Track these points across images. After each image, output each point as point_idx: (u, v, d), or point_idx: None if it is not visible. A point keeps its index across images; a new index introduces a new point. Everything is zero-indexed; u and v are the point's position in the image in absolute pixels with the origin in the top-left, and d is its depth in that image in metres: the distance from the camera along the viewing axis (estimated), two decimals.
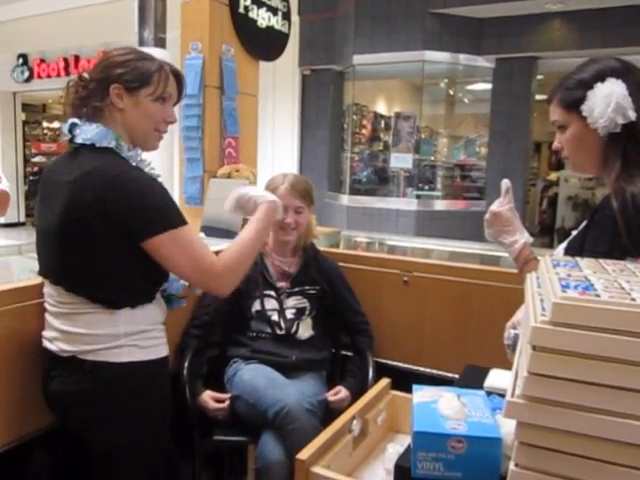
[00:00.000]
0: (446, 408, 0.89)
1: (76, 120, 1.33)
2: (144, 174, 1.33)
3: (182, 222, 1.30)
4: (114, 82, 1.33)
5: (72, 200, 1.25)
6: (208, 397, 1.86)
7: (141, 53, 1.40)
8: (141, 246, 1.28)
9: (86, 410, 1.35)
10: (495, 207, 1.41)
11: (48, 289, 1.38)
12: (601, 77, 1.16)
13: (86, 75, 1.35)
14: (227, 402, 1.84)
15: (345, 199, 7.42)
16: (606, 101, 1.13)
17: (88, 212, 1.24)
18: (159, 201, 1.29)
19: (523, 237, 1.39)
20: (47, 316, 1.39)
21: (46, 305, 1.39)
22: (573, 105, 1.20)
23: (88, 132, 1.30)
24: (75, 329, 1.32)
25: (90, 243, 1.27)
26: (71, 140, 1.33)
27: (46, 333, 1.39)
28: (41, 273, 1.39)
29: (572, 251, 1.20)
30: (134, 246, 1.28)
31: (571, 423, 0.73)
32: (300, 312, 1.97)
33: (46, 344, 1.38)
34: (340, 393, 1.90)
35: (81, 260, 1.29)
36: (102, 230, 1.25)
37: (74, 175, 1.26)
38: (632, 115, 1.12)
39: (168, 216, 1.29)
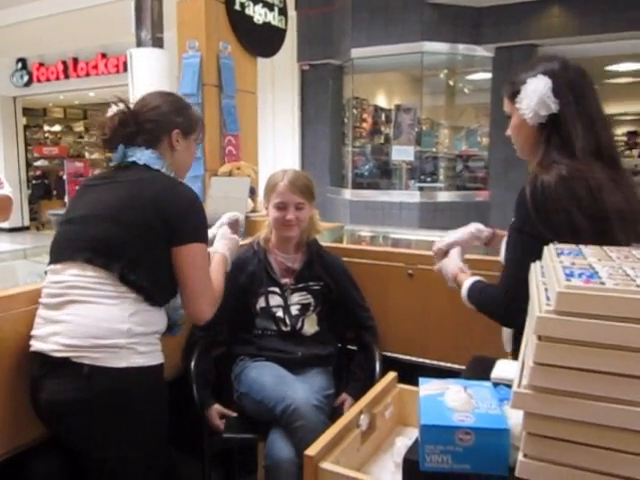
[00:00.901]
0: (453, 400, 0.88)
1: (126, 148, 1.51)
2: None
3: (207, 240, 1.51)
4: (175, 128, 1.57)
5: (133, 193, 1.43)
6: (216, 413, 1.87)
7: (186, 101, 1.71)
8: (173, 249, 1.42)
9: (82, 420, 1.33)
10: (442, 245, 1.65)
11: (69, 272, 1.37)
12: (535, 74, 1.30)
13: (142, 116, 1.54)
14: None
15: (348, 193, 7.41)
16: (531, 96, 1.28)
17: (146, 206, 1.40)
18: (203, 216, 1.50)
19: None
20: (45, 311, 1.38)
21: (47, 299, 1.38)
22: (513, 97, 1.36)
23: (143, 155, 1.50)
24: (81, 318, 1.32)
25: (138, 227, 1.39)
26: (119, 163, 1.52)
27: (39, 331, 1.36)
28: (69, 257, 1.39)
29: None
30: (169, 248, 1.42)
31: (578, 412, 0.73)
32: (305, 308, 1.97)
33: (38, 346, 1.35)
34: (345, 403, 1.92)
35: (126, 239, 1.38)
36: (153, 223, 1.39)
37: (134, 177, 1.46)
38: (554, 108, 1.26)
39: (205, 231, 1.51)
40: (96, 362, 1.30)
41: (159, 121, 1.55)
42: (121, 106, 1.55)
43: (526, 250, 1.16)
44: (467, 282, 1.46)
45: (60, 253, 1.42)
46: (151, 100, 1.60)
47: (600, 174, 1.24)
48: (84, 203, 1.49)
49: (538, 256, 1.00)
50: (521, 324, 0.97)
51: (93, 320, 1.32)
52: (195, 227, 1.46)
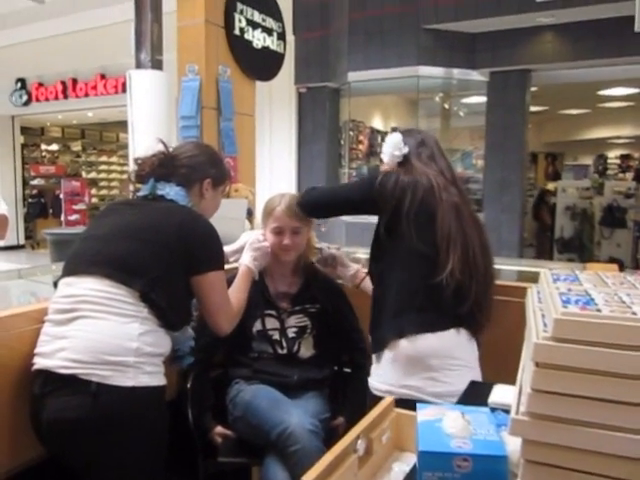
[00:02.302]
0: (451, 426, 0.88)
1: (157, 182, 1.60)
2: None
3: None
4: (208, 177, 1.69)
5: (158, 218, 1.51)
6: (218, 435, 1.87)
7: (220, 155, 1.90)
8: (193, 278, 1.50)
9: (84, 439, 1.31)
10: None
11: (84, 285, 1.38)
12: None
13: (179, 161, 1.65)
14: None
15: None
16: (386, 145, 1.78)
17: (170, 230, 1.47)
18: (220, 246, 1.59)
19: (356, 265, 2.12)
20: (52, 328, 1.37)
21: (54, 316, 1.38)
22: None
23: (172, 190, 1.59)
24: (90, 334, 1.32)
25: (160, 248, 1.45)
26: (147, 195, 1.60)
27: (45, 348, 1.35)
28: (86, 270, 1.41)
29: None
30: (187, 275, 1.50)
31: (576, 439, 0.73)
32: (302, 331, 1.96)
33: (42, 363, 1.34)
34: (340, 427, 1.91)
35: (147, 258, 1.43)
36: (174, 248, 1.46)
37: (159, 206, 1.55)
38: (404, 150, 1.75)
39: (222, 259, 1.59)
40: (104, 380, 1.29)
41: (194, 168, 1.66)
42: (161, 147, 1.65)
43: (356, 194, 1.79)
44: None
45: (77, 266, 1.44)
46: (190, 148, 1.73)
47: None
48: (106, 222, 1.53)
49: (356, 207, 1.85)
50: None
51: (102, 336, 1.32)
52: (214, 256, 1.55)
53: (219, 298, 1.57)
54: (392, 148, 1.77)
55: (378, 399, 1.52)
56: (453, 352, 1.60)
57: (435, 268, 1.59)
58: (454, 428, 0.88)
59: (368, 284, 1.97)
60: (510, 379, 1.19)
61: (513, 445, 0.85)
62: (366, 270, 2.02)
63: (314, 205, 1.90)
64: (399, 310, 1.63)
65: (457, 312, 1.60)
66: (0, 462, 1.40)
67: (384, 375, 1.65)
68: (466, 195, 1.80)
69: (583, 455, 0.73)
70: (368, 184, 1.73)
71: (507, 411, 1.02)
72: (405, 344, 1.60)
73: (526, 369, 0.81)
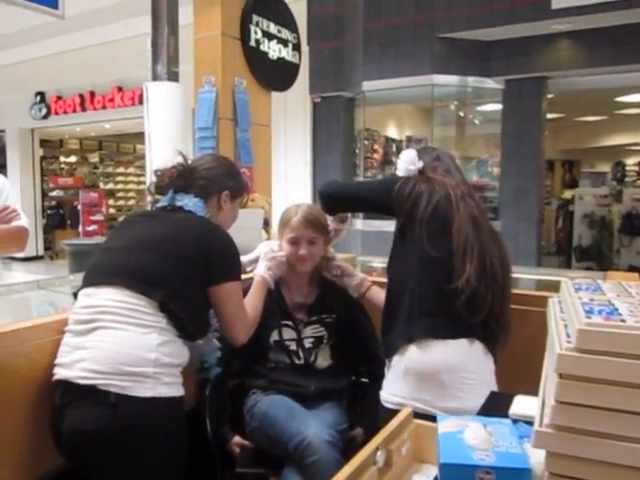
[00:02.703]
0: (473, 438, 0.87)
1: (175, 193, 1.62)
2: None
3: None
4: (226, 189, 1.71)
5: (177, 229, 1.52)
6: (236, 446, 1.87)
7: (238, 168, 1.91)
8: (210, 288, 1.51)
9: (104, 450, 1.32)
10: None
11: (104, 296, 1.39)
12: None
13: (197, 173, 1.67)
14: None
15: (359, 224, 7.42)
16: (400, 160, 1.81)
17: (189, 241, 1.49)
18: (238, 256, 1.60)
19: (362, 275, 2.10)
20: (72, 338, 1.38)
21: (74, 326, 1.39)
22: None
23: (190, 202, 1.61)
24: (109, 345, 1.33)
25: (179, 260, 1.46)
26: (166, 206, 1.62)
27: (65, 359, 1.36)
28: (106, 281, 1.43)
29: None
30: (205, 285, 1.51)
31: (600, 452, 0.72)
32: (318, 341, 1.96)
33: (62, 373, 1.35)
34: (358, 438, 1.90)
35: (167, 269, 1.44)
36: (193, 258, 1.48)
37: (178, 217, 1.57)
38: (419, 165, 1.78)
39: (240, 270, 1.61)
40: (123, 391, 1.29)
41: (212, 180, 1.69)
42: (180, 159, 1.68)
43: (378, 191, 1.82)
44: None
45: (97, 277, 1.45)
46: (209, 160, 1.76)
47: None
48: (126, 234, 1.55)
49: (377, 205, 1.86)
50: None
51: (121, 347, 1.33)
52: (231, 267, 1.57)
53: (235, 308, 1.58)
54: (407, 163, 1.79)
55: (390, 412, 1.52)
56: (467, 366, 1.58)
57: (448, 275, 1.58)
58: (476, 440, 0.87)
59: (374, 294, 2.00)
60: (531, 389, 1.17)
61: (536, 457, 0.83)
62: (372, 280, 2.03)
63: (334, 196, 1.92)
64: (409, 315, 1.62)
65: (470, 321, 1.58)
66: (21, 472, 1.41)
67: (395, 387, 1.64)
68: (483, 207, 1.81)
69: (608, 468, 0.72)
70: (388, 187, 1.75)
71: (529, 422, 1.00)
72: (414, 350, 1.59)
73: (549, 380, 0.80)
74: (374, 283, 2.08)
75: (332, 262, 2.09)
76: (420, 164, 1.78)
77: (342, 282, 2.10)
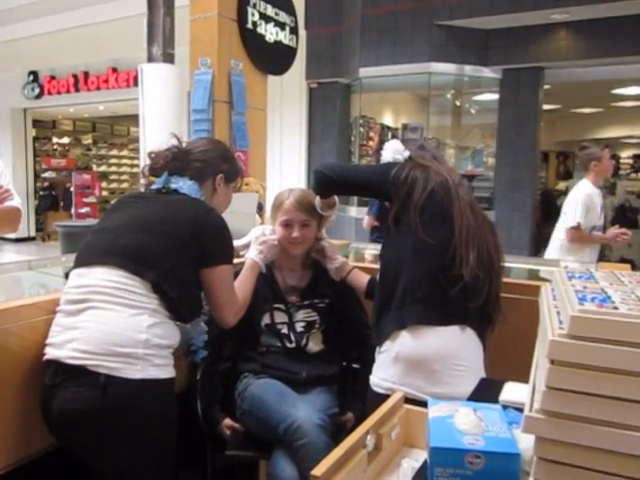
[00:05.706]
0: (463, 423, 0.88)
1: (170, 176, 1.62)
2: None
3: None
4: (220, 173, 1.71)
5: (172, 211, 1.52)
6: (227, 428, 1.88)
7: (232, 152, 1.92)
8: (202, 270, 1.51)
9: (93, 431, 1.32)
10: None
11: (96, 276, 1.39)
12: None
13: (192, 156, 1.67)
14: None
15: (353, 211, 7.42)
16: (386, 151, 1.85)
17: (183, 223, 1.49)
18: (231, 240, 1.60)
19: (342, 258, 2.06)
20: (63, 318, 1.38)
21: (66, 306, 1.39)
22: None
23: (185, 184, 1.62)
24: (99, 325, 1.32)
25: (173, 241, 1.46)
26: (160, 188, 1.61)
27: (56, 339, 1.36)
28: (99, 261, 1.42)
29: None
30: (197, 268, 1.51)
31: (590, 438, 0.72)
32: (310, 325, 1.96)
33: (53, 353, 1.34)
34: (348, 422, 1.92)
35: (160, 250, 1.44)
36: (187, 240, 1.47)
37: (173, 199, 1.57)
38: (405, 154, 1.81)
39: (232, 253, 1.61)
40: (113, 372, 1.29)
41: (207, 163, 1.68)
42: (175, 142, 1.68)
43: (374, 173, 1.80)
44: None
45: (90, 256, 1.45)
46: (204, 143, 1.76)
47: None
48: (120, 215, 1.54)
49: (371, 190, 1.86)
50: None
51: (111, 327, 1.32)
52: (224, 250, 1.57)
53: (226, 291, 1.58)
54: (394, 153, 1.81)
55: (380, 397, 1.52)
56: (458, 352, 1.58)
57: (446, 261, 1.58)
58: (466, 425, 0.88)
59: (355, 278, 2.00)
60: (520, 377, 1.18)
61: (525, 443, 0.84)
62: (353, 264, 2.03)
63: (331, 176, 1.83)
64: (402, 302, 1.62)
65: (465, 308, 1.58)
66: (11, 451, 1.41)
67: (385, 372, 1.64)
68: (473, 195, 1.84)
69: (597, 454, 0.73)
70: (385, 172, 1.73)
71: (519, 409, 1.01)
72: (406, 336, 1.59)
73: (540, 366, 0.80)
74: (364, 270, 2.08)
75: (318, 242, 2.08)
76: (406, 153, 1.80)
77: (324, 264, 2.10)
